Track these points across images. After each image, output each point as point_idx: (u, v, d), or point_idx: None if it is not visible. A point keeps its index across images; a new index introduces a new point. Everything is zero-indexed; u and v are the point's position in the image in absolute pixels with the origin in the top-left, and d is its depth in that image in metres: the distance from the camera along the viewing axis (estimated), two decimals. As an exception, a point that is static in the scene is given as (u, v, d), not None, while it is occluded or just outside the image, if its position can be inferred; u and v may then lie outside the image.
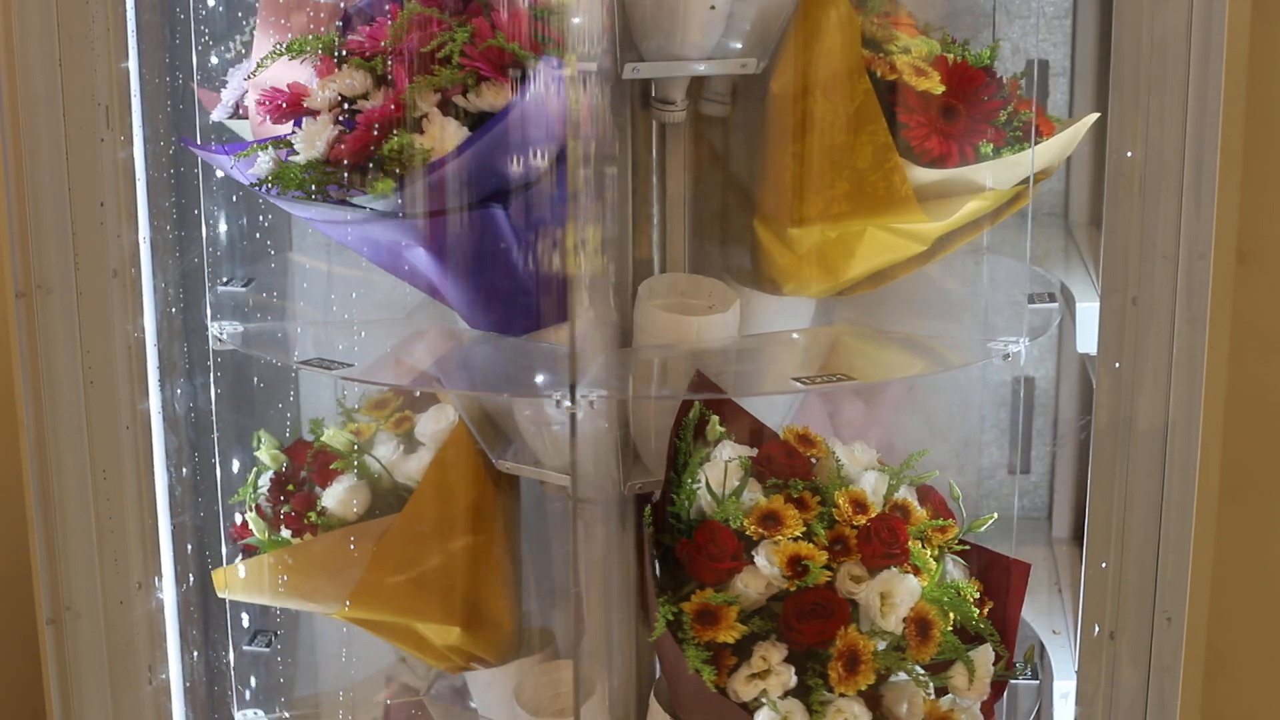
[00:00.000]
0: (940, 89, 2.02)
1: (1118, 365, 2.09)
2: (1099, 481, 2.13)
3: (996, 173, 2.04)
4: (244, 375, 2.44)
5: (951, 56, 2.05)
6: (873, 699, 2.01)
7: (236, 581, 2.27)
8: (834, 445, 2.13)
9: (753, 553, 2.01)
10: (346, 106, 1.99)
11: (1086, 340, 2.19)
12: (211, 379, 2.33)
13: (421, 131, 1.95)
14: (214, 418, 2.34)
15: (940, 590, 2.04)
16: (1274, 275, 2.51)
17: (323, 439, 2.28)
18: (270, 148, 2.02)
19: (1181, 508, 2.11)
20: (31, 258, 2.14)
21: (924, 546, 2.06)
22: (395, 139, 1.94)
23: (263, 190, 2.00)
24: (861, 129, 2.02)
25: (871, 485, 2.09)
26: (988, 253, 2.21)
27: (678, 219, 2.15)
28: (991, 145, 2.03)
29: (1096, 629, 2.16)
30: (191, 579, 2.36)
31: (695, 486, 2.06)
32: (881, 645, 2.01)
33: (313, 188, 1.97)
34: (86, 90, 2.10)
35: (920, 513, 2.10)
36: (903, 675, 2.02)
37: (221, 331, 2.18)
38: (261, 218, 2.41)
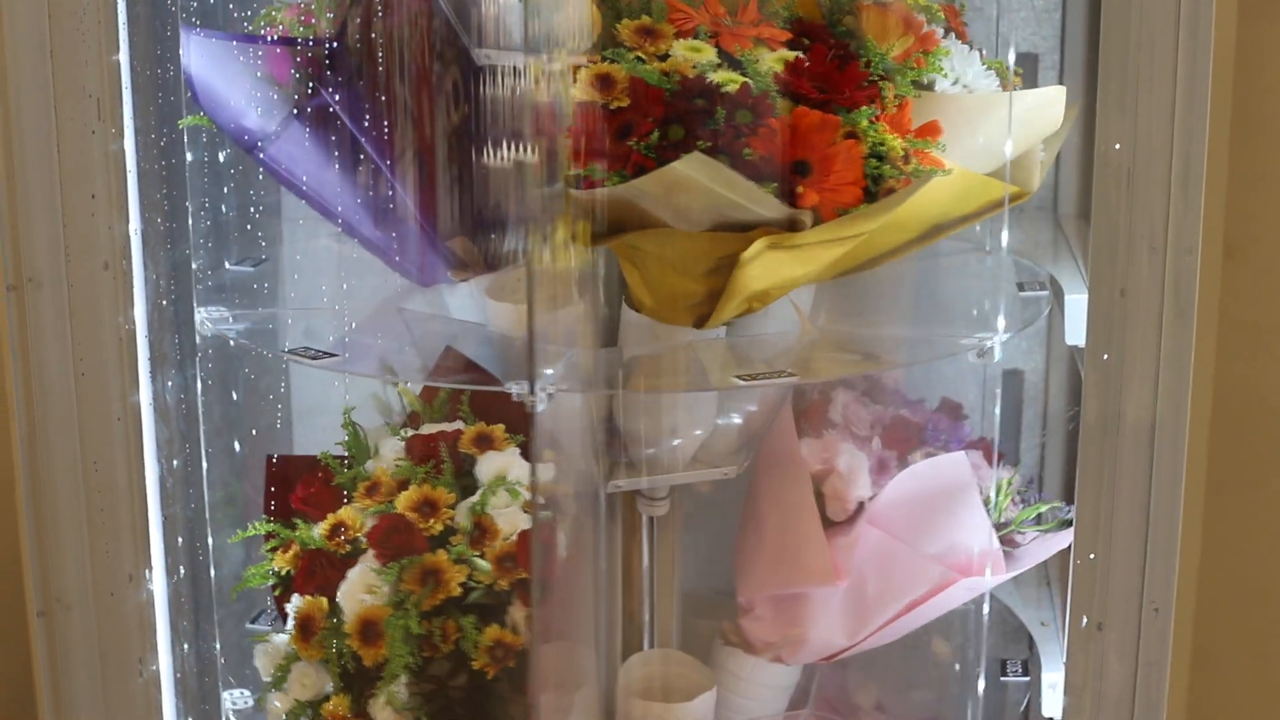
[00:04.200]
0: (622, 103, 1.91)
1: (1106, 357, 2.09)
2: (1087, 473, 2.13)
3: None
4: (234, 367, 2.45)
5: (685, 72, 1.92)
6: None
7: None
8: (496, 457, 2.17)
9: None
10: None
11: (1075, 332, 2.20)
12: (199, 370, 2.34)
13: None
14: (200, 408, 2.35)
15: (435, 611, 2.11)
16: (1261, 269, 2.52)
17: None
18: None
19: (1169, 499, 2.12)
20: (22, 250, 2.14)
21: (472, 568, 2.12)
22: None
23: None
24: None
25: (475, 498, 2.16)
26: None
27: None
28: (598, 167, 1.92)
29: (1084, 620, 2.17)
30: (182, 571, 2.36)
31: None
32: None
33: None
34: (77, 82, 2.10)
35: (492, 538, 2.13)
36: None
37: (206, 322, 2.22)
38: (253, 209, 2.41)
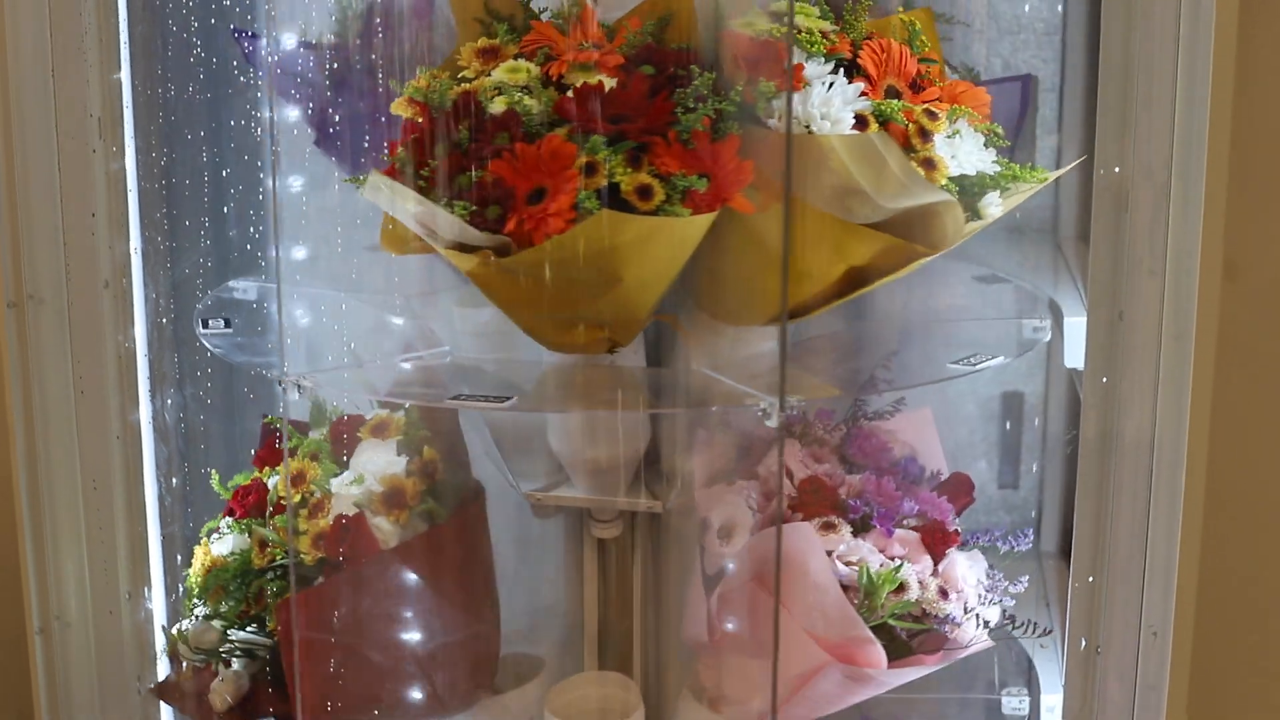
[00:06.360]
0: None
1: (1105, 380, 2.10)
2: (1085, 496, 2.13)
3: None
4: (232, 385, 2.45)
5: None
6: None
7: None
8: (369, 445, 2.21)
9: None
10: None
11: (1074, 355, 2.20)
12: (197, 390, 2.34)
13: None
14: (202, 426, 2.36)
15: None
16: (1261, 290, 2.51)
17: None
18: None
19: (1167, 522, 2.12)
20: (23, 268, 2.15)
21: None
22: None
23: None
24: None
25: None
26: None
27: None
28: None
29: (1083, 643, 2.17)
30: (180, 589, 2.36)
31: None
32: None
33: None
34: (79, 101, 2.11)
35: (320, 516, 2.18)
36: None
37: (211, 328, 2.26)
38: (252, 229, 2.42)
